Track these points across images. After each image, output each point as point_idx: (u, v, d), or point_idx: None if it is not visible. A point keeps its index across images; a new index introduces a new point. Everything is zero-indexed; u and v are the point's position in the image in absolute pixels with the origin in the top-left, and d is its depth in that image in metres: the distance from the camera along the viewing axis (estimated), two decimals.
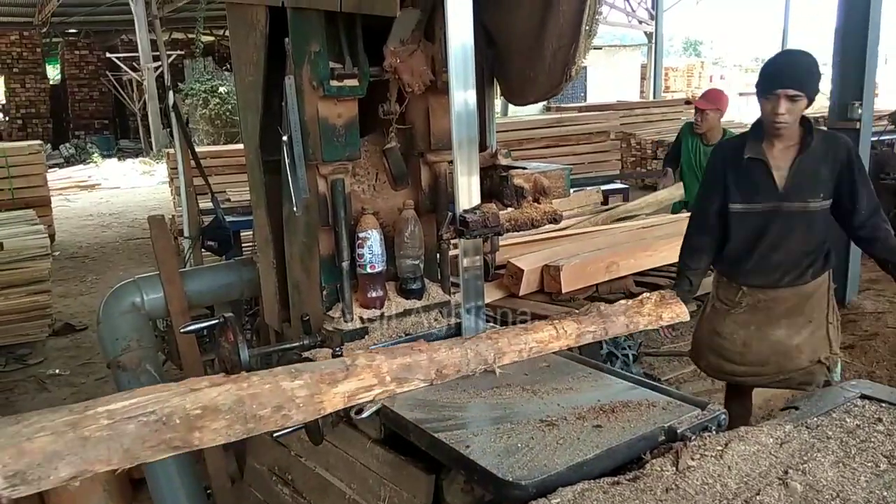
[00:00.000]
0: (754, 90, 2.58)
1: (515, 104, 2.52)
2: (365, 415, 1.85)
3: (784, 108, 2.46)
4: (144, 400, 1.39)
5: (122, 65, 16.97)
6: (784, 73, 2.51)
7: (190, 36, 17.09)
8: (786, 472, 1.47)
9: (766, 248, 2.62)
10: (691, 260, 2.76)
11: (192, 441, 1.44)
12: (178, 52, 16.72)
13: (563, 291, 3.21)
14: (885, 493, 1.41)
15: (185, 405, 1.43)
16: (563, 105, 12.51)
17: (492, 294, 3.18)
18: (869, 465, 1.51)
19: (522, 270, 3.26)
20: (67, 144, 17.11)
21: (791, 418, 1.72)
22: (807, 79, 2.49)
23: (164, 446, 1.40)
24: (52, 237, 7.76)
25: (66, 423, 1.30)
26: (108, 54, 17.73)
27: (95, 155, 15.99)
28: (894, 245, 2.60)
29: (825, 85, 3.77)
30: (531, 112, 11.56)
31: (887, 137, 7.28)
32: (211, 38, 18.15)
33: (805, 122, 2.57)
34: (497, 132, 2.61)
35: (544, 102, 12.05)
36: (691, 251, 2.77)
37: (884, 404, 1.78)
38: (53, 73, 20.33)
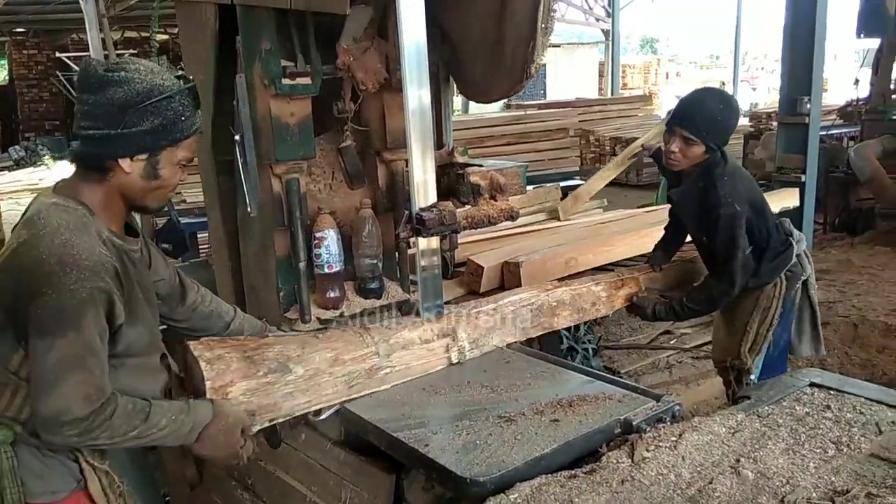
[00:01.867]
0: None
1: (477, 102, 2.52)
2: (324, 416, 1.84)
3: (676, 146, 2.45)
4: (527, 296, 2.35)
5: (72, 64, 16.53)
6: (684, 113, 2.46)
7: (144, 34, 16.75)
8: (738, 461, 1.50)
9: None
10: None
11: (553, 323, 2.39)
12: (132, 50, 16.36)
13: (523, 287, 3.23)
14: (833, 479, 1.45)
15: (549, 300, 2.38)
16: (522, 102, 12.57)
17: (452, 291, 3.18)
18: (818, 451, 1.55)
19: (482, 267, 3.26)
20: (17, 147, 16.60)
21: (743, 407, 1.76)
22: (705, 126, 2.40)
23: (540, 326, 2.34)
24: (1, 242, 7.54)
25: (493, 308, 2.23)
26: (57, 54, 17.26)
27: (47, 157, 15.54)
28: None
29: (775, 82, 3.84)
30: (491, 110, 11.60)
31: (836, 132, 7.48)
32: (165, 37, 17.82)
33: (706, 167, 2.48)
34: (457, 130, 2.62)
35: (504, 100, 12.12)
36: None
37: (832, 392, 1.83)
38: (1, 73, 19.74)
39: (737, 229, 2.43)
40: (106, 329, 1.44)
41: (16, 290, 1.39)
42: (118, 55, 12.43)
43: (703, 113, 2.43)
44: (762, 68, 28.04)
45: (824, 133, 6.40)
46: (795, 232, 2.67)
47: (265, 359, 1.74)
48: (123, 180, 1.50)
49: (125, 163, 1.47)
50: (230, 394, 1.66)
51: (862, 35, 6.83)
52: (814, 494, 1.40)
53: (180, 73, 1.57)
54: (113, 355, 1.48)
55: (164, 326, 1.86)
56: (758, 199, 2.58)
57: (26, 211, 1.53)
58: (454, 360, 2.06)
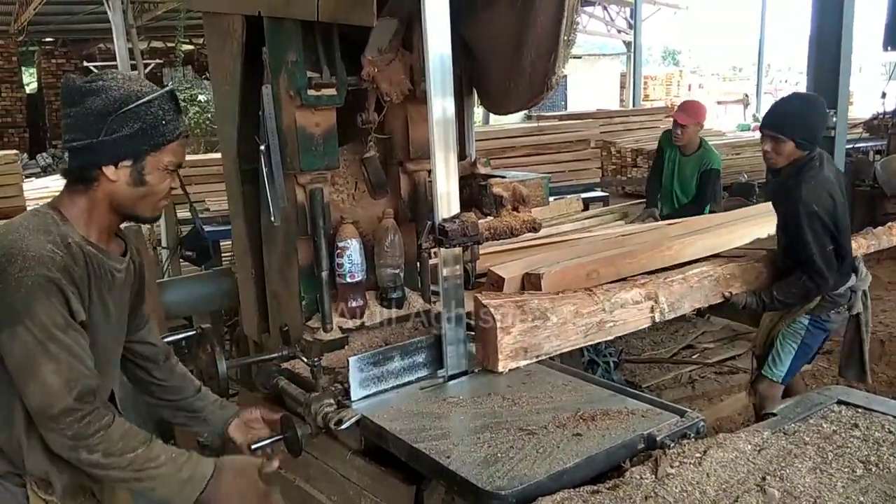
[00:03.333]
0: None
1: (496, 113, 2.52)
2: (345, 426, 1.83)
3: (767, 146, 2.76)
4: (707, 269, 2.77)
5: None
6: (769, 115, 2.81)
7: (169, 45, 16.98)
8: (764, 479, 1.48)
9: None
10: None
11: (724, 293, 2.77)
12: (158, 60, 16.61)
13: None
14: (861, 499, 1.42)
15: (723, 272, 2.78)
16: (543, 114, 12.56)
17: (472, 302, 3.18)
18: (846, 470, 1.52)
19: (503, 279, 3.25)
20: (45, 154, 16.88)
21: (769, 424, 1.74)
22: (787, 124, 2.71)
23: (719, 295, 2.74)
24: None
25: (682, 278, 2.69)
26: (85, 63, 17.55)
27: None
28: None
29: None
30: (512, 121, 11.60)
31: (862, 145, 7.39)
32: (190, 47, 18.06)
33: (800, 166, 2.73)
34: (478, 141, 2.61)
35: (525, 111, 12.12)
36: None
37: (860, 410, 1.79)
38: (30, 82, 20.10)
39: (815, 229, 2.63)
40: (66, 317, 1.41)
41: None
42: (144, 64, 12.62)
43: (785, 112, 2.77)
44: (786, 81, 27.77)
45: (850, 146, 6.32)
46: (862, 269, 2.81)
47: (530, 308, 2.16)
48: (110, 189, 1.50)
49: (109, 170, 1.48)
50: (511, 333, 2.07)
51: (889, 48, 6.74)
52: None
53: (168, 87, 1.59)
54: None
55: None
56: (839, 217, 2.71)
57: None
58: (657, 319, 2.50)
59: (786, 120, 2.74)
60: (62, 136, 1.51)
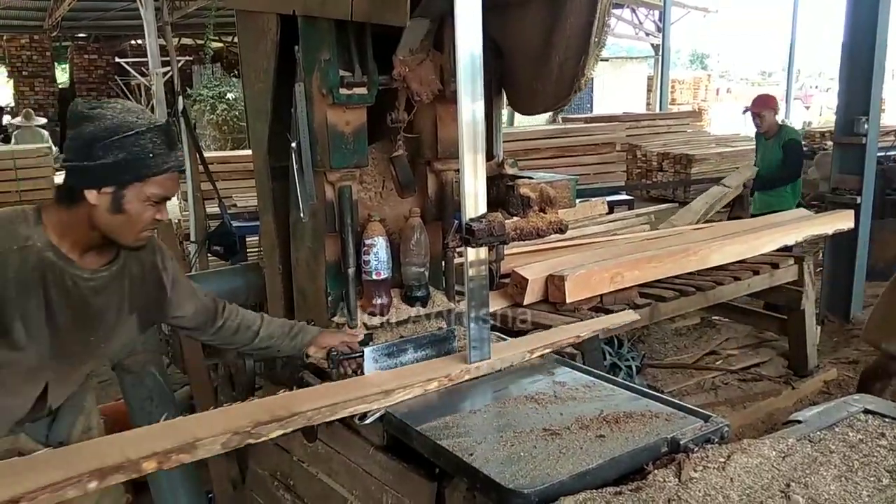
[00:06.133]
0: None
1: (522, 114, 2.52)
2: (368, 421, 1.86)
3: None
4: None
5: (130, 69, 17.06)
6: None
7: (199, 42, 17.17)
8: (788, 486, 1.47)
9: None
10: None
11: None
12: (187, 57, 16.81)
13: (568, 301, 3.21)
14: None
15: None
16: (569, 116, 12.51)
17: (496, 303, 3.18)
18: (871, 479, 1.51)
19: (527, 280, 3.26)
20: None
21: (794, 431, 1.72)
22: None
23: None
24: None
25: None
26: (117, 59, 17.83)
27: None
28: None
29: (829, 100, 3.79)
30: (538, 122, 11.58)
31: (894, 153, 7.26)
32: (220, 45, 18.24)
33: None
34: (503, 142, 2.62)
35: (550, 113, 12.08)
36: None
37: (887, 419, 1.77)
38: (62, 76, 20.44)
39: None
40: None
41: None
42: (177, 60, 12.75)
43: None
44: (816, 87, 27.39)
45: (881, 154, 6.21)
46: None
47: None
48: (90, 211, 1.59)
49: (91, 194, 1.56)
50: None
51: None
52: None
53: (168, 116, 1.65)
54: None
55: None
56: None
57: None
58: None
59: None
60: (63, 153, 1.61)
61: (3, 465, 1.49)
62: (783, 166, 5.17)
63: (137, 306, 1.79)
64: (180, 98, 4.41)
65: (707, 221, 5.12)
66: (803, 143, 5.77)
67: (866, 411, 1.82)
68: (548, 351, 2.24)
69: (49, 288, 1.59)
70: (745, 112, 5.48)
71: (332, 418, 1.77)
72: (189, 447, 1.54)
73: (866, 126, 5.05)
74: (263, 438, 1.64)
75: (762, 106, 5.29)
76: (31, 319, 1.58)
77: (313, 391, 1.92)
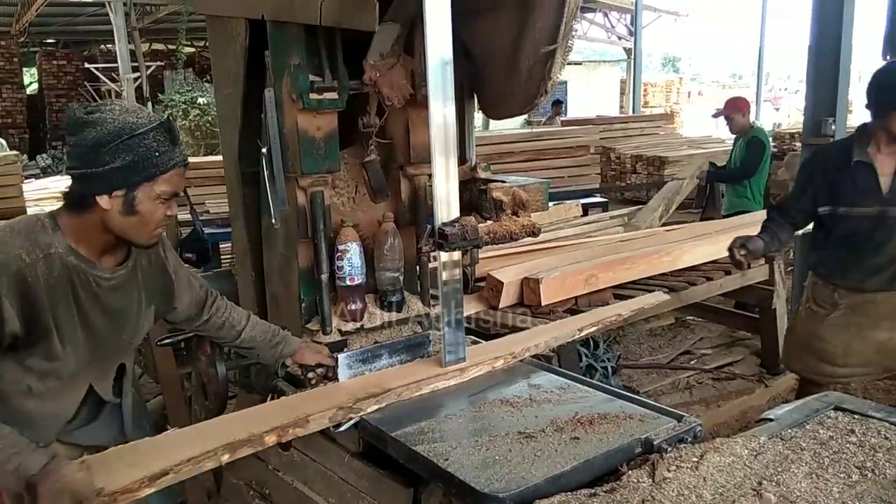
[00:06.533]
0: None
1: (492, 118, 2.53)
2: (343, 428, 1.85)
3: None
4: None
5: (100, 75, 16.82)
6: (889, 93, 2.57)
7: (170, 47, 17.02)
8: (760, 483, 1.49)
9: (867, 252, 2.68)
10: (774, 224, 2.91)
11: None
12: (159, 62, 16.64)
13: (543, 304, 3.22)
14: None
15: None
16: (543, 119, 12.60)
17: (471, 307, 3.18)
18: (841, 476, 1.53)
19: (502, 283, 3.27)
20: (45, 155, 16.88)
21: (766, 430, 1.74)
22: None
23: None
24: None
25: None
26: (86, 64, 17.58)
27: None
28: None
29: (799, 102, 3.85)
30: (512, 126, 11.63)
31: None
32: (192, 50, 18.09)
33: None
34: (477, 146, 2.62)
35: (525, 116, 12.15)
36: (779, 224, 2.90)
37: (856, 416, 1.80)
38: (31, 83, 20.12)
39: None
40: None
41: None
42: (146, 66, 12.62)
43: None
44: (785, 89, 27.86)
45: None
46: None
47: None
48: (103, 215, 1.57)
49: (103, 200, 1.55)
50: None
51: (888, 56, 6.75)
52: None
53: (166, 113, 1.64)
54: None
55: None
56: None
57: None
58: None
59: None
60: (66, 160, 1.59)
61: (147, 442, 1.69)
62: (740, 164, 5.31)
63: (152, 298, 1.81)
64: (149, 104, 4.35)
65: (679, 222, 5.18)
66: (772, 143, 5.85)
67: (836, 408, 1.85)
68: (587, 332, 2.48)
69: (77, 292, 1.60)
70: (715, 116, 5.57)
71: (418, 393, 1.99)
72: (303, 422, 1.78)
73: (833, 127, 5.13)
74: (361, 413, 1.86)
75: (732, 108, 5.40)
76: (65, 326, 1.59)
77: (399, 370, 2.14)
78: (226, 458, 1.63)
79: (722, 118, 5.46)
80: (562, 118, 12.41)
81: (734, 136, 5.53)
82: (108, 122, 1.52)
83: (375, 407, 1.89)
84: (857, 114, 13.83)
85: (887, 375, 2.85)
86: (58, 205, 1.66)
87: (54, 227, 1.58)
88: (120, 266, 1.69)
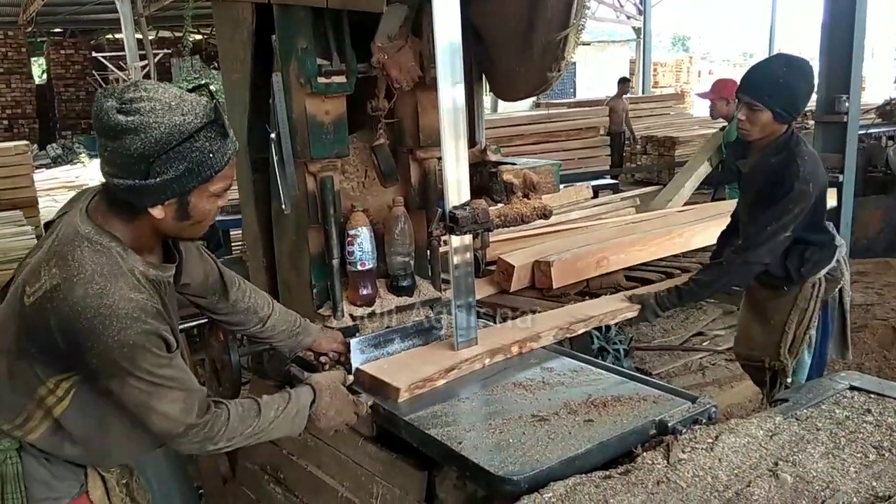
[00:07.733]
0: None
1: (504, 100, 2.50)
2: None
3: (742, 114, 2.41)
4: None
5: (108, 64, 16.86)
6: (746, 79, 2.43)
7: (177, 34, 17.00)
8: (776, 464, 1.48)
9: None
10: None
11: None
12: (166, 50, 16.64)
13: (554, 287, 3.21)
14: (874, 484, 1.42)
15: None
16: (552, 101, 12.53)
17: (483, 290, 3.18)
18: (858, 455, 1.52)
19: (513, 266, 3.26)
20: (54, 145, 16.97)
21: (781, 410, 1.73)
22: (766, 90, 2.34)
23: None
24: (39, 238, 7.69)
25: None
26: (94, 53, 17.62)
27: (83, 155, 15.85)
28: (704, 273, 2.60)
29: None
30: (521, 108, 11.56)
31: (875, 131, 7.32)
32: (199, 37, 18.07)
33: (785, 141, 2.43)
34: (487, 129, 2.60)
35: (534, 98, 12.07)
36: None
37: (872, 395, 1.79)
38: (39, 72, 20.17)
39: (796, 208, 2.33)
40: (166, 353, 1.44)
41: (58, 336, 1.38)
42: (154, 54, 12.60)
43: (764, 76, 2.37)
44: None
45: (862, 132, 6.26)
46: (837, 236, 2.61)
47: None
48: (156, 222, 1.46)
49: (155, 210, 1.42)
50: None
51: None
52: (854, 499, 1.37)
53: (202, 83, 1.55)
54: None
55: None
56: (824, 192, 2.48)
57: (58, 228, 1.49)
58: None
59: (763, 85, 2.35)
60: (101, 165, 1.43)
61: (410, 355, 2.10)
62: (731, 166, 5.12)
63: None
64: None
65: (689, 204, 5.14)
66: None
67: (852, 388, 1.83)
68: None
69: (165, 297, 1.53)
70: (701, 96, 5.19)
71: (614, 321, 2.59)
72: (536, 337, 2.20)
73: (847, 104, 5.09)
74: (573, 334, 2.35)
75: (716, 93, 4.97)
76: (173, 335, 1.52)
77: (597, 302, 2.67)
78: (487, 361, 2.06)
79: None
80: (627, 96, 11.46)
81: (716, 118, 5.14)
82: (152, 128, 1.33)
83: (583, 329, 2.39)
84: (871, 91, 13.66)
85: (744, 364, 2.85)
86: (70, 193, 1.60)
87: (124, 248, 1.44)
88: (169, 261, 1.60)
